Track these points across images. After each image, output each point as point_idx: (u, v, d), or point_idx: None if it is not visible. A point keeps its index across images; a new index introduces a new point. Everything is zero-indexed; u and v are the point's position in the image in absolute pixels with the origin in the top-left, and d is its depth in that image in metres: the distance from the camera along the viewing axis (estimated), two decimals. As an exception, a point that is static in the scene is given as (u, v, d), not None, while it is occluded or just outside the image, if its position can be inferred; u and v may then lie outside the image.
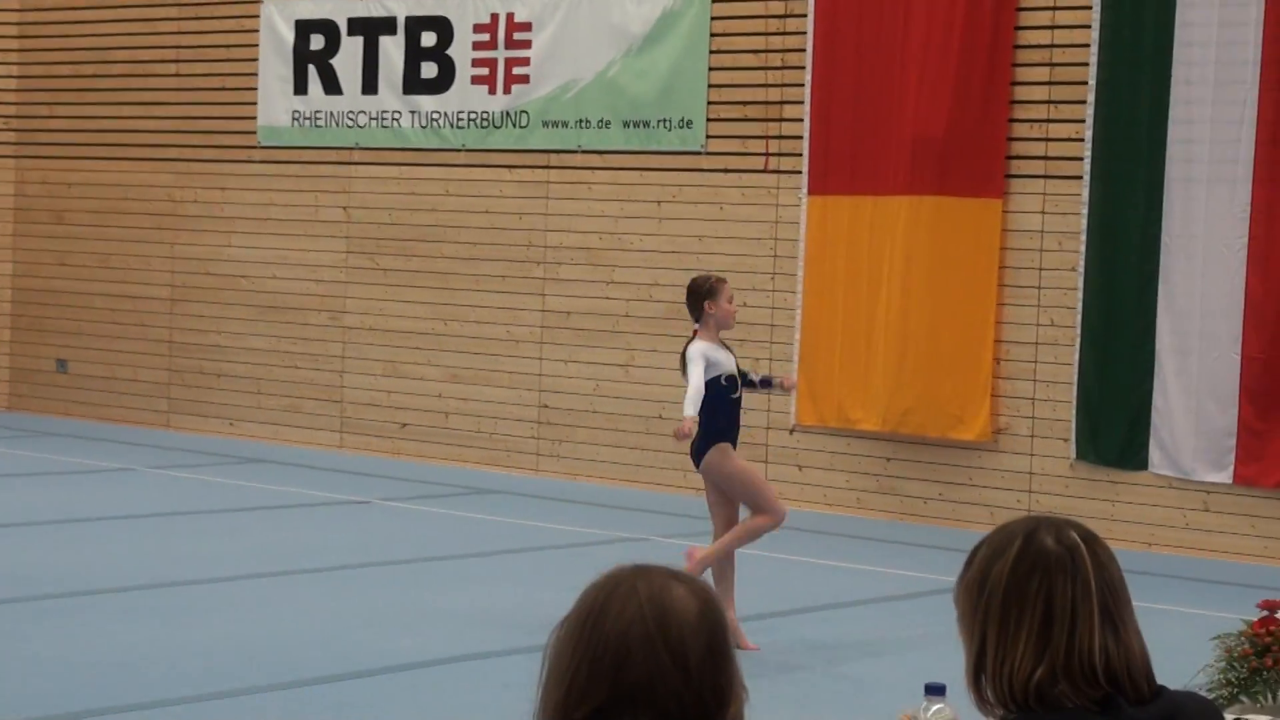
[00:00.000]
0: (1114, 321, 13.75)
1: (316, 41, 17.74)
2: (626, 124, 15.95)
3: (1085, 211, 13.84)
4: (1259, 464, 13.19)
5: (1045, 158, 14.11)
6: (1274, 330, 13.09)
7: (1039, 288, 14.13)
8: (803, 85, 15.06)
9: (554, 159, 16.42)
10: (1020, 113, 14.20)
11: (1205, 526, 13.50)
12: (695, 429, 9.76)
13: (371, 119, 17.40)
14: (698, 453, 10.07)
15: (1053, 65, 14.07)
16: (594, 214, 16.17)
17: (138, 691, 8.46)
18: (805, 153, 15.01)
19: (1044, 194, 14.10)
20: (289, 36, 17.88)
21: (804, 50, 15.05)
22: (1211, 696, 6.85)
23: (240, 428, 18.25)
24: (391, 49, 17.28)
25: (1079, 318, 13.90)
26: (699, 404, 9.71)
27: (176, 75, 18.69)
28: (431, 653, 9.52)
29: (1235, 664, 6.93)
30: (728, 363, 9.98)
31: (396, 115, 17.26)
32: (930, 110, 14.30)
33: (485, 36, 16.75)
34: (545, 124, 16.41)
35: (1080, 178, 13.89)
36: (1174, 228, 13.46)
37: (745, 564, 12.60)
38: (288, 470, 16.33)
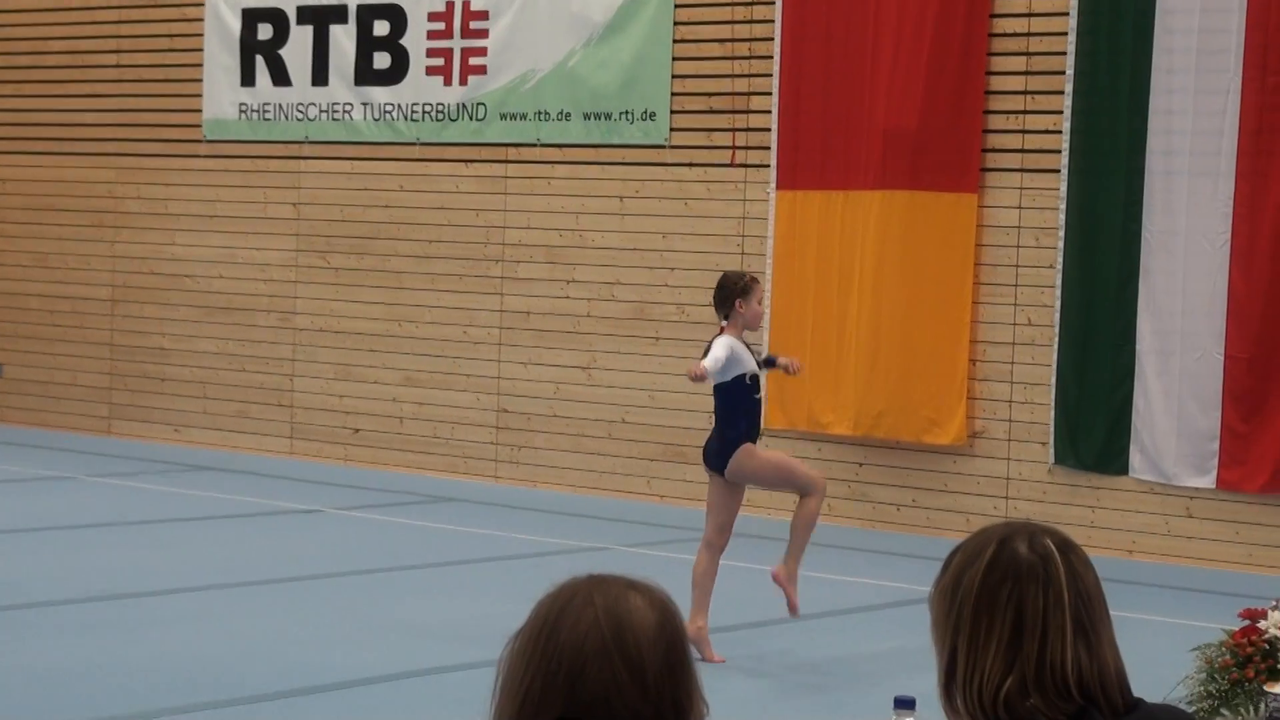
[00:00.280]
0: (1093, 321, 13.80)
1: (264, 31, 17.70)
2: (587, 116, 15.96)
3: (1063, 206, 13.89)
4: (1242, 468, 13.26)
5: (1022, 150, 14.16)
6: (1258, 329, 13.15)
7: (1015, 285, 14.18)
8: (770, 76, 15.09)
9: (512, 153, 16.42)
10: (996, 104, 14.25)
11: (1187, 533, 13.56)
12: (705, 377, 9.76)
13: (322, 111, 17.38)
14: (718, 456, 10.03)
15: (1029, 55, 14.12)
16: (554, 210, 16.18)
17: (75, 711, 8.43)
18: (773, 146, 15.04)
19: (1020, 188, 14.15)
20: (235, 26, 17.85)
21: (772, 39, 15.08)
22: (1192, 709, 6.89)
23: (185, 434, 18.20)
24: (343, 38, 17.25)
25: (1057, 317, 13.95)
26: (717, 368, 9.78)
27: (118, 66, 18.64)
28: (384, 668, 9.50)
29: (1216, 676, 6.96)
30: (750, 363, 10.05)
31: (348, 107, 17.23)
32: (903, 101, 14.33)
33: (440, 25, 16.74)
34: (503, 116, 16.41)
35: (1058, 171, 13.94)
36: (1155, 223, 13.52)
37: (712, 573, 12.59)
38: (235, 478, 16.29)
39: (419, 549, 13.18)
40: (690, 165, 15.54)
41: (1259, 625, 7.09)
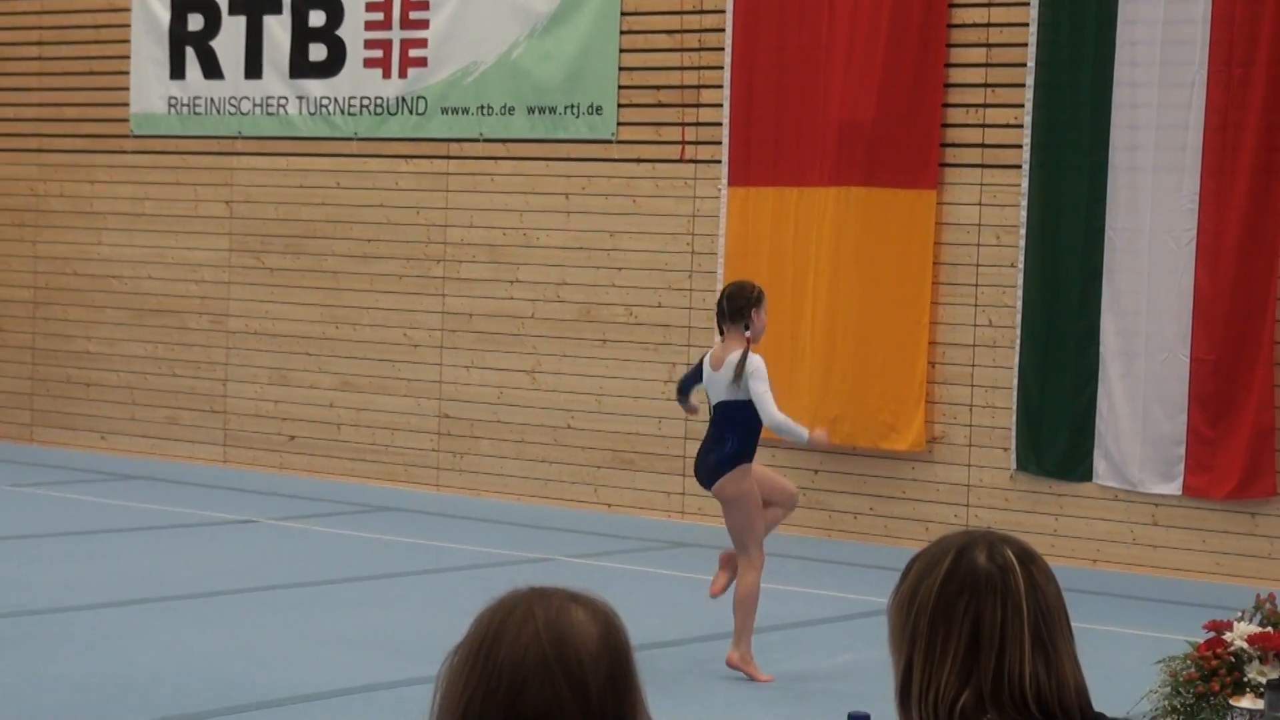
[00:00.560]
0: (1056, 322, 13.86)
1: (195, 21, 17.64)
2: (531, 110, 15.95)
3: (1025, 203, 13.95)
4: (1209, 474, 13.33)
5: (982, 145, 14.20)
6: (1224, 330, 13.22)
7: (976, 285, 14.23)
8: (721, 68, 15.11)
9: (454, 148, 16.40)
10: (955, 97, 14.29)
11: (1153, 541, 13.63)
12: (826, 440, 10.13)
13: (255, 105, 17.32)
14: (715, 469, 10.02)
15: (989, 46, 14.17)
16: (497, 207, 16.16)
17: (-1, 730, 8.39)
18: (724, 141, 15.06)
19: (981, 185, 14.20)
20: (164, 16, 17.78)
21: (723, 30, 15.10)
22: (1157, 723, 6.91)
23: (112, 441, 18.12)
24: (277, 29, 17.21)
25: (1019, 318, 14.00)
26: (793, 423, 9.99)
27: (40, 59, 18.54)
28: (320, 684, 9.48)
29: (1181, 689, 7.00)
30: None
31: (283, 101, 17.19)
32: (859, 94, 14.37)
33: (379, 16, 16.71)
34: (444, 110, 16.39)
35: (1019, 167, 14.00)
36: (1119, 220, 13.59)
37: (662, 584, 12.61)
38: (165, 488, 16.22)
39: (357, 561, 13.15)
40: (638, 161, 15.54)
41: (1224, 637, 7.13)
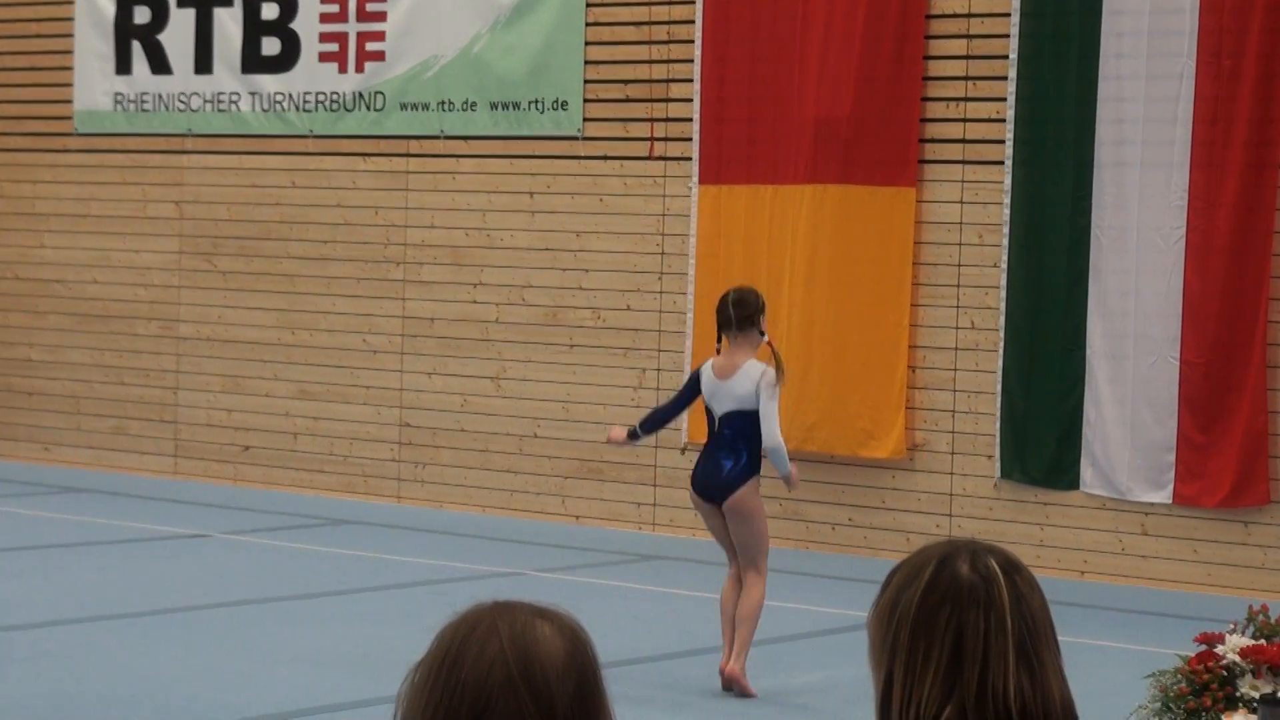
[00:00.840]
0: (1041, 324, 13.89)
1: (141, 14, 17.61)
2: (494, 106, 15.95)
3: (1008, 201, 13.98)
4: (1200, 482, 13.36)
5: (963, 141, 14.23)
6: (1215, 332, 13.26)
7: (958, 286, 14.26)
8: (691, 61, 15.12)
9: (413, 145, 16.39)
10: (934, 91, 14.32)
11: (1142, 551, 13.66)
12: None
13: (206, 102, 17.29)
14: (730, 483, 10.03)
15: (970, 38, 14.20)
16: (459, 207, 16.15)
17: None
18: (695, 137, 15.07)
19: (962, 182, 14.23)
20: (109, 9, 17.74)
21: (692, 22, 15.11)
22: (1147, 740, 6.93)
23: (57, 453, 18.07)
24: (228, 22, 17.18)
25: (1002, 320, 14.02)
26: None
27: (-19, 52, 18.49)
28: (277, 703, 9.47)
29: (1171, 705, 7.02)
30: None
31: (234, 97, 17.16)
32: (834, 88, 14.39)
33: (334, 8, 16.69)
34: (403, 106, 16.38)
35: (1002, 163, 14.03)
36: (1105, 218, 13.62)
37: (632, 599, 12.62)
38: (113, 500, 16.18)
39: (314, 576, 13.13)
40: (606, 158, 15.54)
41: (1216, 650, 7.15)
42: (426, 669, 2.67)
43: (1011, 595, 2.99)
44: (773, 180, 14.70)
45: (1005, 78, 14.00)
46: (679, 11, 15.22)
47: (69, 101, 18.01)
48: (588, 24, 15.59)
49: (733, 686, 9.91)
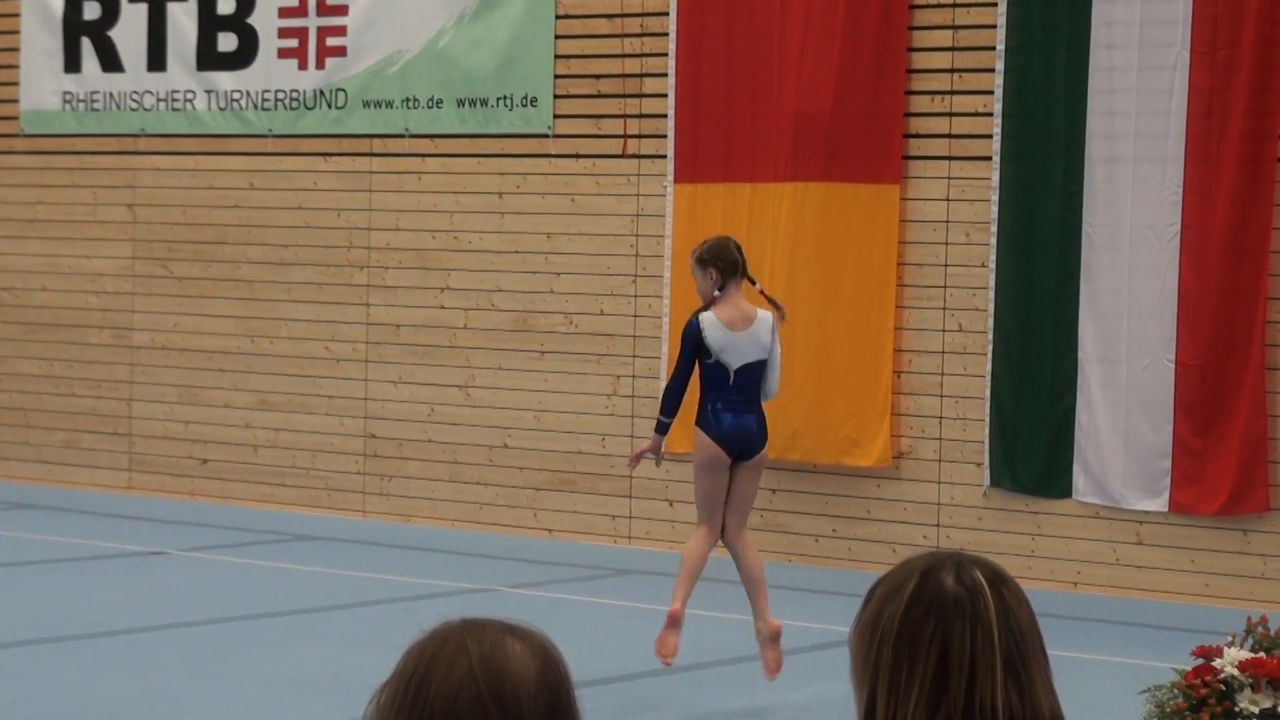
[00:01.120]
0: (1031, 326, 13.91)
1: (91, 9, 17.58)
2: (461, 103, 15.95)
3: (995, 198, 14.00)
4: (1197, 489, 13.39)
5: (949, 136, 14.26)
6: (1211, 332, 13.29)
7: (944, 287, 14.28)
8: (666, 55, 15.13)
9: (377, 145, 16.38)
10: (919, 84, 14.34)
11: (1137, 561, 13.69)
12: None
13: (159, 100, 17.27)
14: (764, 438, 10.44)
15: (955, 28, 14.23)
16: (425, 209, 16.15)
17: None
18: (670, 134, 15.08)
19: (948, 178, 14.25)
20: (57, 4, 17.71)
21: (666, 14, 15.12)
22: (1143, 757, 6.95)
23: (5, 467, 18.03)
24: (182, 18, 17.16)
25: (991, 322, 14.05)
26: None
27: (-76, 50, 18.45)
28: (239, 729, 9.46)
29: None
30: None
31: (189, 96, 17.14)
32: (815, 82, 14.41)
33: (293, 2, 16.68)
34: (366, 104, 16.37)
35: (989, 159, 14.05)
36: (1097, 215, 13.65)
37: (607, 615, 12.61)
38: (64, 517, 16.14)
39: (276, 594, 13.12)
40: (577, 156, 15.55)
41: (1214, 664, 7.17)
42: (393, 690, 2.68)
43: (998, 608, 3.01)
44: (751, 178, 14.71)
45: (992, 70, 14.02)
46: (652, 3, 15.23)
47: (15, 101, 17.98)
48: (558, 17, 15.60)
49: (778, 640, 10.03)
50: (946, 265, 14.26)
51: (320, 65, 16.57)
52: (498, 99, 15.80)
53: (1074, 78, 13.67)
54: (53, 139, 17.81)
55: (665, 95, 15.12)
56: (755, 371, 10.30)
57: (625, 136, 15.35)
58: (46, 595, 12.95)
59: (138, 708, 9.81)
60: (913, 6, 14.31)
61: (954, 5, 14.22)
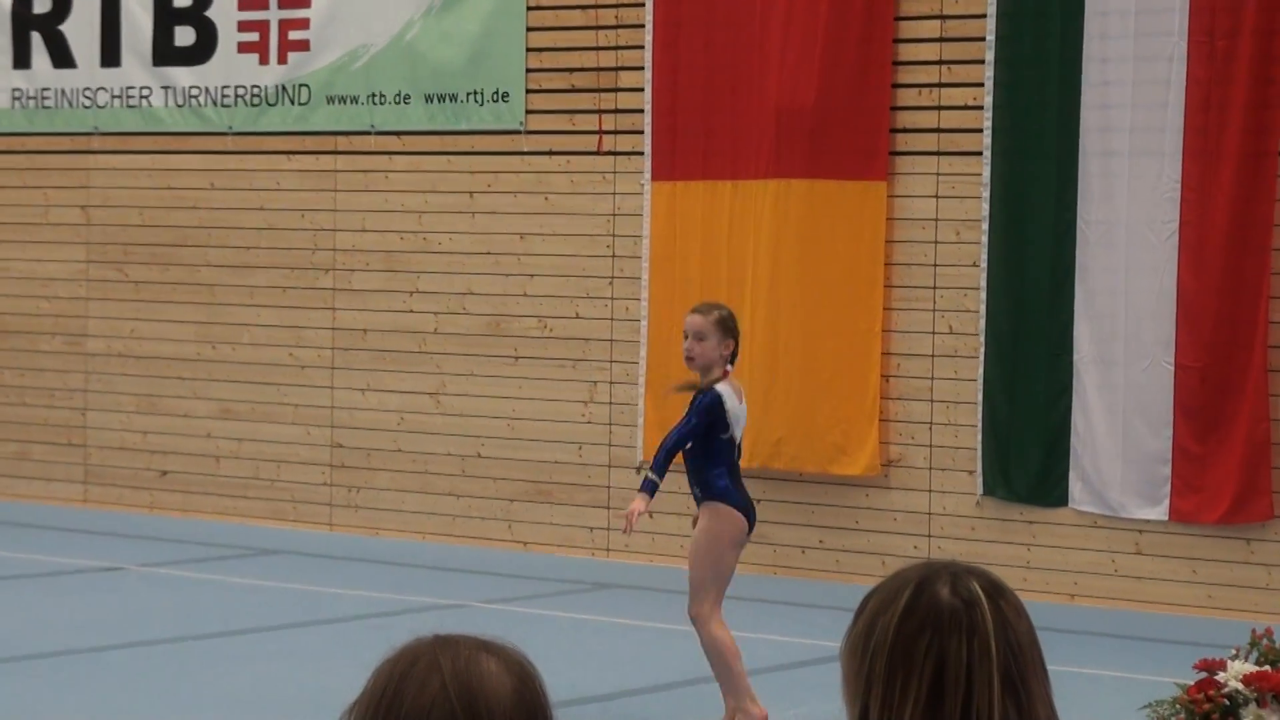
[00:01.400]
0: (1024, 327, 13.92)
1: (41, 3, 17.55)
2: (429, 98, 15.94)
3: (986, 195, 14.01)
4: (1199, 496, 13.41)
5: (937, 130, 14.27)
6: (1211, 333, 13.31)
7: (934, 288, 14.29)
8: (642, 48, 15.13)
9: (342, 142, 16.37)
10: (906, 76, 14.35)
11: (1137, 572, 13.70)
12: None
13: (114, 97, 17.24)
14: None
15: (944, 18, 14.24)
16: (392, 208, 16.14)
17: None
18: (647, 129, 15.08)
19: (937, 174, 14.26)
20: (9, -4, 17.69)
21: (643, 5, 15.12)
22: (1145, 775, 6.95)
23: (-42, 481, 17.99)
24: (137, 10, 17.13)
25: (982, 324, 14.06)
26: None
27: None
28: (201, 753, 9.45)
29: (1171, 736, 7.04)
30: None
31: (145, 92, 17.12)
32: (798, 74, 14.41)
33: (253, -7, 16.68)
34: (330, 100, 16.35)
35: (980, 154, 14.06)
36: (1092, 212, 13.66)
37: (585, 632, 12.60)
38: (16, 532, 16.11)
39: (239, 611, 13.10)
40: (551, 154, 15.54)
41: (1217, 678, 7.18)
42: (362, 709, 2.67)
43: (996, 620, 3.00)
44: (732, 175, 14.71)
45: (982, 61, 14.03)
46: (628, -7, 15.23)
47: (-35, 98, 17.94)
48: (529, 8, 15.59)
49: None
50: (936, 265, 14.27)
51: (282, 60, 16.55)
52: (467, 94, 15.79)
53: (1067, 69, 13.68)
54: (1, 138, 17.77)
55: (642, 89, 15.12)
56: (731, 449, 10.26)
57: (601, 132, 15.35)
58: (-1, 614, 12.93)
59: (95, 731, 9.80)
60: (899, -4, 14.32)
61: (942, -6, 14.23)
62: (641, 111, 15.12)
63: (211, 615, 12.96)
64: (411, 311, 16.07)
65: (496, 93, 15.68)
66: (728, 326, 10.16)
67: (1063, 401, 13.77)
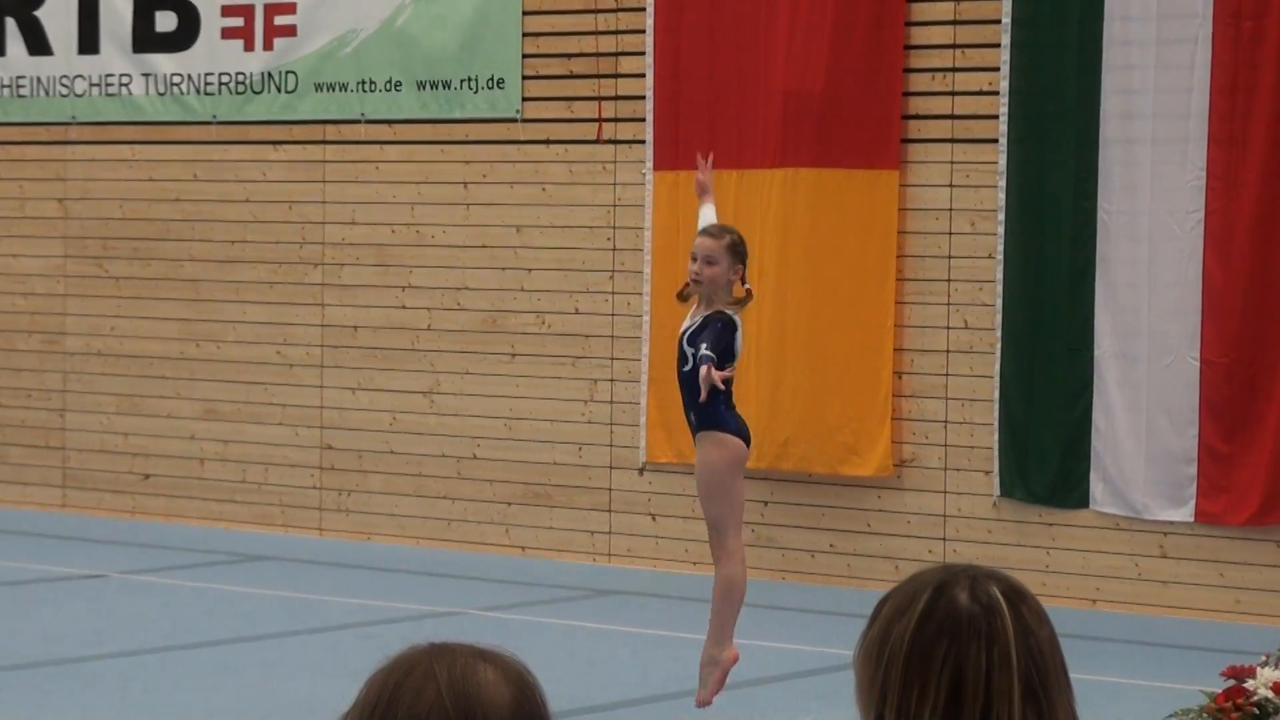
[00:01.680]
0: (1042, 322, 13.92)
1: (19, -14, 17.57)
2: (421, 85, 15.94)
3: (1003, 184, 14.01)
4: (1226, 496, 13.41)
5: (951, 117, 14.27)
6: (1239, 327, 13.30)
7: (948, 281, 14.29)
8: (643, 32, 15.13)
9: (331, 131, 16.37)
10: (918, 61, 14.35)
11: (1161, 576, 13.70)
12: None
13: (93, 85, 17.25)
14: None
15: (957, 0, 14.24)
16: (384, 200, 16.14)
17: None
18: (648, 117, 15.08)
19: (951, 163, 14.26)
20: (-17, -20, 17.69)
21: (645, -13, 15.14)
22: (1171, 788, 6.96)
23: (-68, 486, 18.00)
24: (117, -6, 17.15)
25: (999, 318, 14.06)
26: None
27: None
28: (186, 768, 9.45)
29: (1198, 746, 7.04)
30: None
31: (125, 80, 17.12)
32: (805, 59, 14.41)
33: (238, -24, 16.69)
34: (318, 87, 16.36)
35: (995, 141, 14.06)
36: (1113, 201, 13.66)
37: (585, 639, 12.61)
38: (-5, 539, 16.15)
39: (226, 619, 13.10)
40: (548, 143, 15.54)
41: (1246, 685, 7.17)
42: (355, 720, 2.67)
43: (1017, 626, 3.00)
44: (737, 165, 14.70)
45: (998, 45, 14.03)
46: (629, -25, 15.24)
47: (-62, 87, 17.95)
48: (526, -9, 15.60)
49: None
50: (950, 257, 14.27)
51: (268, 46, 16.55)
52: (461, 81, 15.79)
53: (1087, 53, 13.67)
54: (-23, 128, 17.79)
55: (643, 75, 15.12)
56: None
57: (600, 120, 15.35)
58: (-25, 624, 12.94)
59: (75, 745, 9.80)
60: (911, -24, 14.32)
61: (956, -25, 14.24)
62: (643, 98, 15.13)
63: (196, 624, 12.97)
64: (404, 307, 16.08)
65: (491, 79, 15.68)
66: (738, 251, 10.40)
67: (1083, 399, 13.77)
